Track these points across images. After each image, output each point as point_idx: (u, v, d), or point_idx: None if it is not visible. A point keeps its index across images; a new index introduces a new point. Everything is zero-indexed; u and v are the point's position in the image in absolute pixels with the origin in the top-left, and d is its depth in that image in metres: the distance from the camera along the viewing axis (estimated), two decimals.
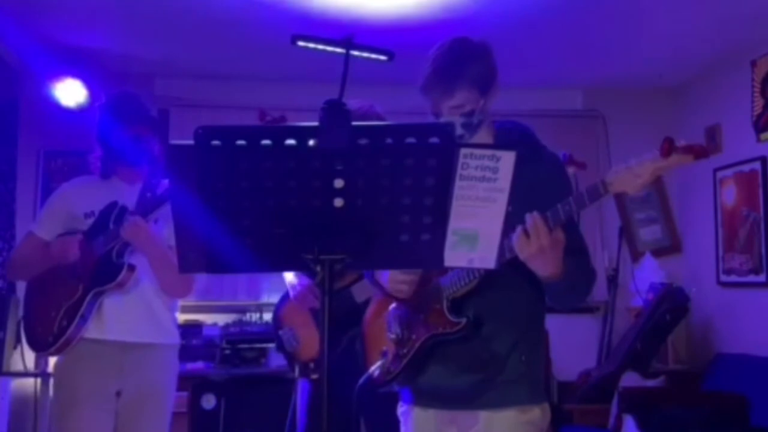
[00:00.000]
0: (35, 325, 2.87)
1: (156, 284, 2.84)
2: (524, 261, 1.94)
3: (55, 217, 2.90)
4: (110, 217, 2.79)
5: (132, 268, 2.76)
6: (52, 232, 2.90)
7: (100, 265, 2.76)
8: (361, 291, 3.01)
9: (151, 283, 2.84)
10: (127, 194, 2.85)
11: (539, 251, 1.90)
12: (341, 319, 3.02)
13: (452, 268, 2.10)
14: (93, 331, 2.78)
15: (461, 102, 2.09)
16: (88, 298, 2.75)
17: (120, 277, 2.74)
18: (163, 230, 2.80)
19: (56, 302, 2.80)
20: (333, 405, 1.51)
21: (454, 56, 2.10)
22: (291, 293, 3.16)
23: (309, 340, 3.10)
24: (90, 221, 2.83)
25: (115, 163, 2.88)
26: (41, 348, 2.93)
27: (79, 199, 2.88)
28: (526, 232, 1.89)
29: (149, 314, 2.83)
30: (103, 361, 2.78)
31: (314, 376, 3.13)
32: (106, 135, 2.85)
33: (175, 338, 2.94)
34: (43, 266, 2.86)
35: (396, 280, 2.21)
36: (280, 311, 3.28)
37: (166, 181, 2.87)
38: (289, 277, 3.19)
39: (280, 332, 3.21)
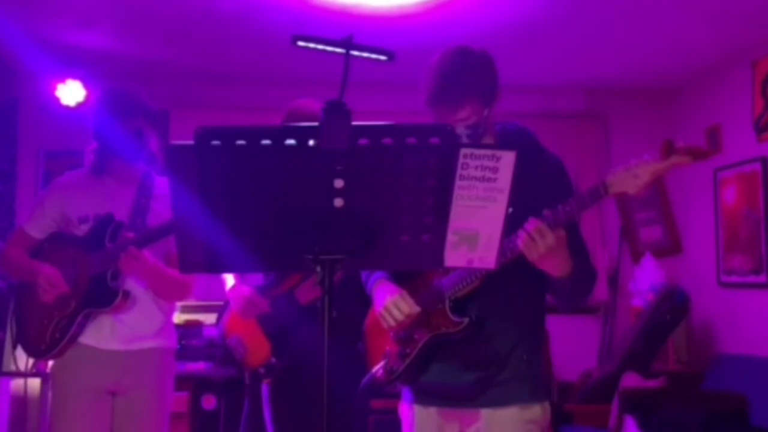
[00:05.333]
0: (28, 328, 2.85)
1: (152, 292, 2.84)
2: (535, 264, 1.97)
3: (48, 217, 2.86)
4: (105, 233, 2.74)
5: (126, 295, 2.73)
6: (45, 231, 2.86)
7: (94, 285, 2.73)
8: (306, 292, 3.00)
9: (147, 290, 2.82)
10: (121, 197, 2.81)
11: (548, 251, 1.92)
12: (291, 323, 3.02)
13: (454, 269, 2.11)
14: (89, 338, 2.76)
15: (466, 115, 2.10)
16: (79, 318, 2.73)
17: (114, 304, 2.71)
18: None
19: (49, 310, 2.77)
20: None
21: (459, 71, 2.10)
22: (232, 303, 3.14)
23: (256, 347, 3.08)
24: (84, 227, 2.79)
25: (110, 159, 2.82)
26: (33, 354, 2.94)
27: (72, 201, 2.83)
28: (530, 236, 1.92)
29: (146, 321, 2.80)
30: (99, 362, 2.76)
31: (265, 382, 3.12)
32: (102, 130, 2.79)
33: (171, 341, 2.92)
34: (28, 281, 2.84)
35: (393, 307, 2.18)
36: (224, 320, 3.25)
37: (161, 182, 2.86)
38: (230, 282, 3.18)
39: (227, 341, 3.19)
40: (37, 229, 2.88)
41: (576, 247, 2.07)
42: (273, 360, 3.03)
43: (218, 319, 3.27)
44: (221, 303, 3.28)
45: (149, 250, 2.74)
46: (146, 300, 2.81)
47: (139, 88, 2.87)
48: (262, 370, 3.08)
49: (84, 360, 2.77)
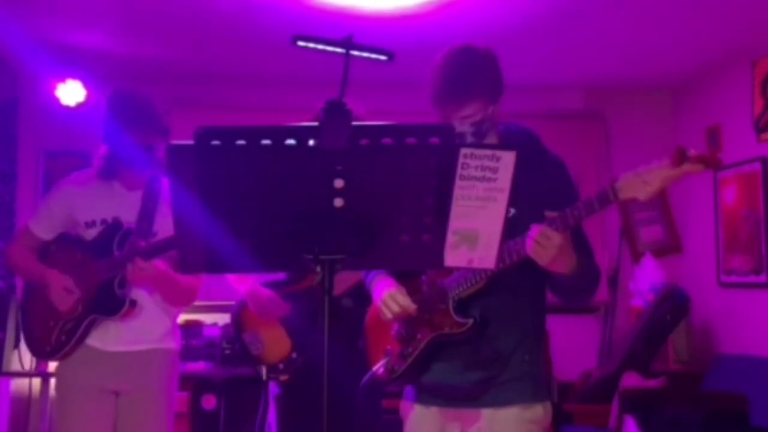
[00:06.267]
0: (34, 328, 2.85)
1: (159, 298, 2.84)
2: (546, 267, 2.00)
3: (55, 218, 2.86)
4: (113, 240, 2.75)
5: (133, 303, 2.73)
6: (51, 232, 2.86)
7: (102, 291, 2.73)
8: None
9: (154, 295, 2.82)
10: (128, 202, 2.80)
11: (558, 252, 1.95)
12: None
13: (455, 269, 2.11)
14: (94, 340, 2.77)
15: (472, 112, 2.11)
16: (85, 323, 2.73)
17: (121, 313, 2.72)
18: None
19: (56, 312, 2.77)
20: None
21: (464, 68, 2.11)
22: (250, 304, 3.12)
23: (274, 343, 3.07)
24: (91, 231, 2.79)
25: (120, 165, 2.82)
26: (39, 354, 2.97)
27: (80, 203, 2.83)
28: (537, 243, 1.94)
29: (152, 325, 2.80)
30: (103, 362, 2.77)
31: (283, 378, 3.11)
32: (113, 137, 2.79)
33: (176, 342, 2.92)
34: (35, 283, 2.84)
35: (391, 300, 2.21)
36: (239, 315, 3.23)
37: (167, 185, 2.84)
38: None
39: (243, 337, 3.17)
40: (43, 229, 2.87)
41: (580, 245, 2.10)
42: (294, 355, 3.03)
43: (234, 315, 3.26)
44: (221, 303, 3.27)
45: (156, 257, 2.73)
46: (152, 305, 2.81)
47: (150, 97, 2.84)
48: (281, 366, 3.07)
49: (88, 360, 2.77)
